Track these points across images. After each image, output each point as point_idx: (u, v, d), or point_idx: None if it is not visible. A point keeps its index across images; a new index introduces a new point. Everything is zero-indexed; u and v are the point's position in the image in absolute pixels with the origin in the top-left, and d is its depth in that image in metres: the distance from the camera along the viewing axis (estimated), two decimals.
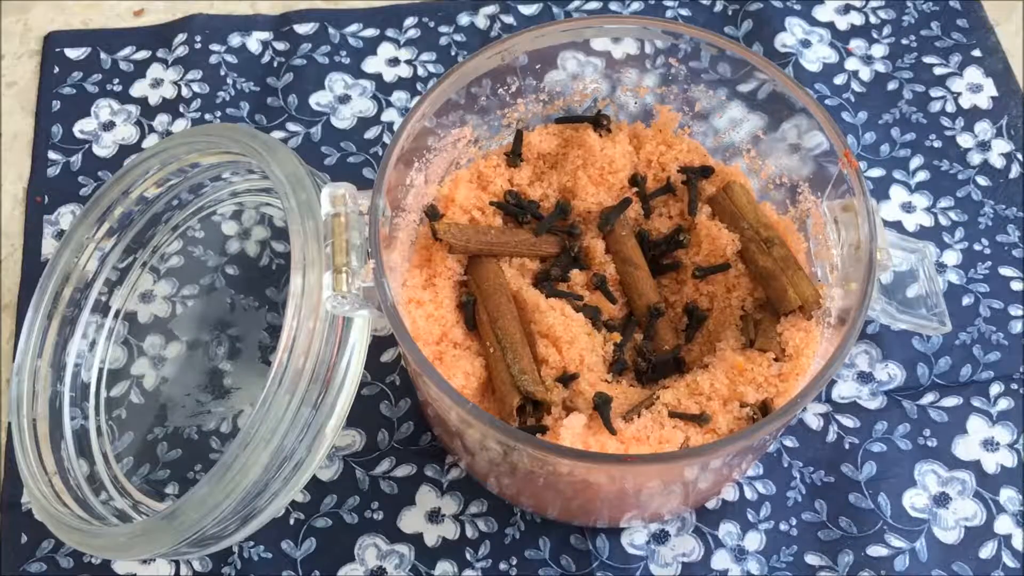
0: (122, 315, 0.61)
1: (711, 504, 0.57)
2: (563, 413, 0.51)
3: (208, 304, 0.61)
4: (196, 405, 0.59)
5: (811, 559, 0.56)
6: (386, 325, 0.47)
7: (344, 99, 0.70)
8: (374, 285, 0.47)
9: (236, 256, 0.62)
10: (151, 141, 0.69)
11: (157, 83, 0.71)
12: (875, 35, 0.73)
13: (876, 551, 0.56)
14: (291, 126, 0.69)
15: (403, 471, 0.58)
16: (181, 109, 0.69)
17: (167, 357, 0.60)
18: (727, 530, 0.57)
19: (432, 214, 0.56)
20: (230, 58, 0.71)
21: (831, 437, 0.59)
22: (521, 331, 0.53)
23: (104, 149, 0.68)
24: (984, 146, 0.68)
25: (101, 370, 0.59)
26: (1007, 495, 0.58)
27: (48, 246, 0.65)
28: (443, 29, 0.73)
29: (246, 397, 0.59)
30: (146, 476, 0.57)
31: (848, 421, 0.59)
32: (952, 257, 0.64)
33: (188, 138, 0.56)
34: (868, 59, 0.72)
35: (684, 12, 0.74)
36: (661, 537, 0.57)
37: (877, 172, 0.67)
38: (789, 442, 0.59)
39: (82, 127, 0.69)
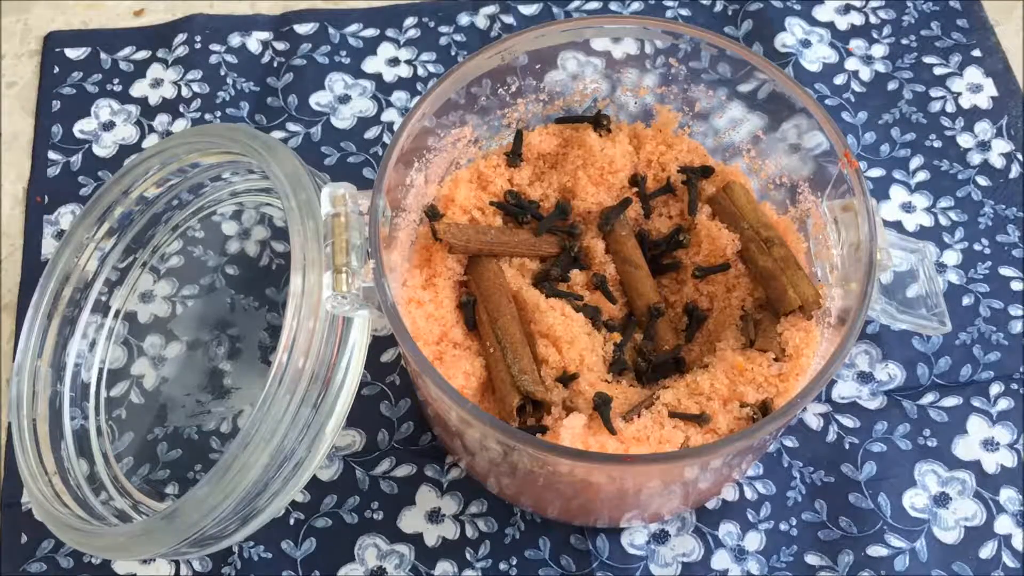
0: (122, 315, 0.61)
1: (711, 504, 0.57)
2: (563, 413, 0.51)
3: (208, 304, 0.61)
4: (196, 405, 0.59)
5: (811, 559, 0.56)
6: (386, 325, 0.47)
7: (344, 99, 0.70)
8: (374, 285, 0.47)
9: (236, 256, 0.62)
10: (151, 141, 0.69)
11: (157, 83, 0.71)
12: (875, 35, 0.73)
13: (876, 551, 0.56)
14: (291, 126, 0.69)
15: (403, 471, 0.58)
16: (181, 109, 0.69)
17: (167, 357, 0.60)
18: (727, 530, 0.57)
19: (432, 214, 0.56)
20: (230, 58, 0.71)
21: (831, 437, 0.59)
22: (521, 331, 0.53)
23: (104, 149, 0.68)
24: (984, 146, 0.68)
25: (101, 370, 0.59)
26: (1007, 495, 0.58)
27: (48, 246, 0.65)
28: (443, 29, 0.73)
29: (246, 397, 0.59)
30: (146, 476, 0.57)
31: (848, 421, 0.59)
32: (952, 257, 0.64)
33: (188, 138, 0.56)
34: (868, 59, 0.72)
35: (684, 12, 0.74)
36: (661, 537, 0.57)
37: (877, 172, 0.67)
38: (789, 442, 0.59)
39: (82, 127, 0.69)
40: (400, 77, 0.71)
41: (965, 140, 0.69)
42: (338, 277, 0.46)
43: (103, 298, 0.60)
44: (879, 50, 0.72)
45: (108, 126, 0.69)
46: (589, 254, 0.57)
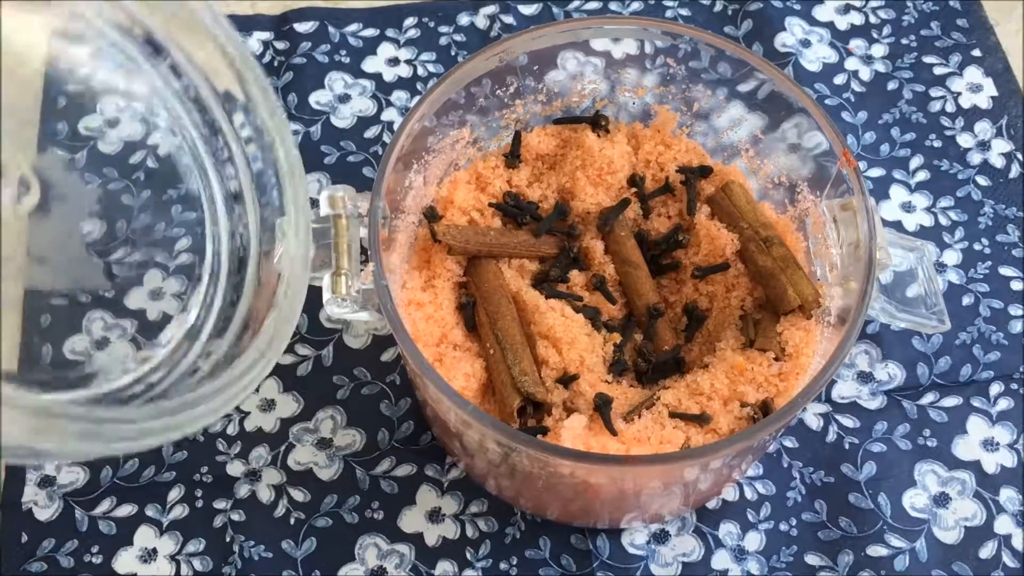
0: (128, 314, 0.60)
1: (711, 504, 0.57)
2: (564, 414, 0.51)
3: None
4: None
5: (811, 559, 0.56)
6: (386, 325, 0.47)
7: (344, 98, 0.70)
8: (373, 287, 0.47)
9: None
10: None
11: None
12: (875, 35, 0.73)
13: (876, 551, 0.56)
14: (291, 124, 0.69)
15: (403, 471, 0.58)
16: None
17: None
18: (727, 530, 0.57)
19: (431, 216, 0.56)
20: None
21: (831, 437, 0.59)
22: (521, 332, 0.53)
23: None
24: (984, 146, 0.68)
25: None
26: (1007, 495, 0.58)
27: None
28: (443, 29, 0.73)
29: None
30: (150, 478, 0.57)
31: (848, 421, 0.60)
32: (952, 257, 0.64)
33: None
34: (868, 59, 0.71)
35: (684, 12, 0.74)
36: (661, 537, 0.57)
37: (877, 172, 0.67)
38: (789, 442, 0.59)
39: None
40: (400, 77, 0.71)
41: (965, 140, 0.69)
42: (337, 280, 0.46)
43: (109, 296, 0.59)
44: (879, 50, 0.72)
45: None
46: (588, 255, 0.57)
